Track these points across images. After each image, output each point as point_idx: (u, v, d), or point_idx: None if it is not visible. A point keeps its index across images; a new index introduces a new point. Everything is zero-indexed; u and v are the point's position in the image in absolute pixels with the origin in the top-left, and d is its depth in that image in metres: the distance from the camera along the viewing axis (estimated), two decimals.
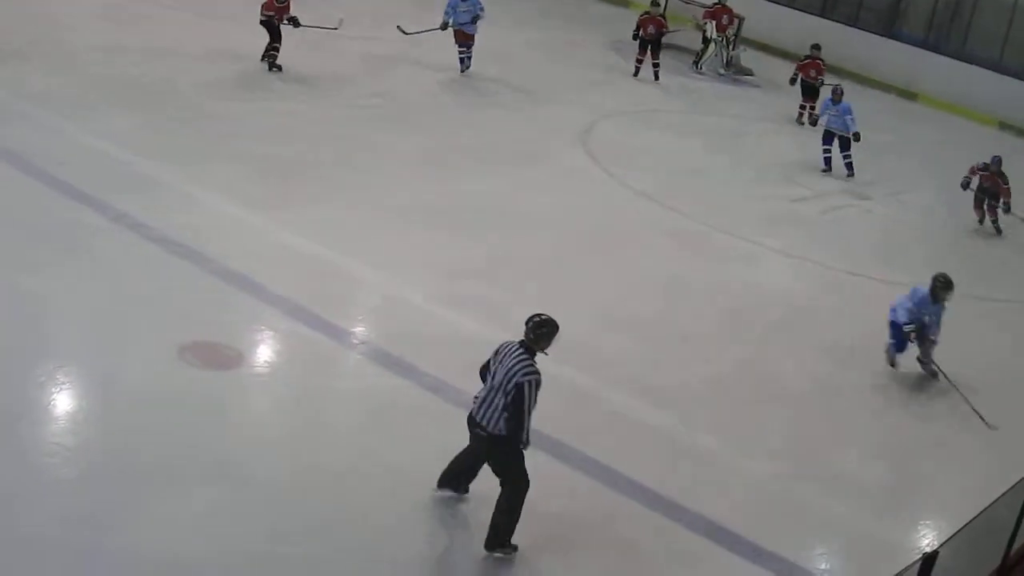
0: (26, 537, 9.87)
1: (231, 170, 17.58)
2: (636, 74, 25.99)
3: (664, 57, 26.78)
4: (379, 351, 13.63)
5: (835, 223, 20.12)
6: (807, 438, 13.47)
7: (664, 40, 26.35)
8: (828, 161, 22.37)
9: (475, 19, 23.85)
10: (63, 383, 12.08)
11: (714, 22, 28.12)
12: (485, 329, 14.22)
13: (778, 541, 11.46)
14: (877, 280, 17.67)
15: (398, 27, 23.57)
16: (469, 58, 24.15)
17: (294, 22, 22.48)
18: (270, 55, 22.43)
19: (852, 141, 22.17)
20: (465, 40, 24.05)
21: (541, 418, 12.30)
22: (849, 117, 22.07)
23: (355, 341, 13.90)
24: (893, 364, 14.96)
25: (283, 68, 22.23)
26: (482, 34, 24.51)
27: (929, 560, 9.26)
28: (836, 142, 22.30)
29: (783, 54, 30.20)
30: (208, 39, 23.68)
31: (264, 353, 13.45)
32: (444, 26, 23.61)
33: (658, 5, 25.15)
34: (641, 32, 25.64)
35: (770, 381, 14.47)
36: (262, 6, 22.24)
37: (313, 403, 12.44)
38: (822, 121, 22.63)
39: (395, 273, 15.43)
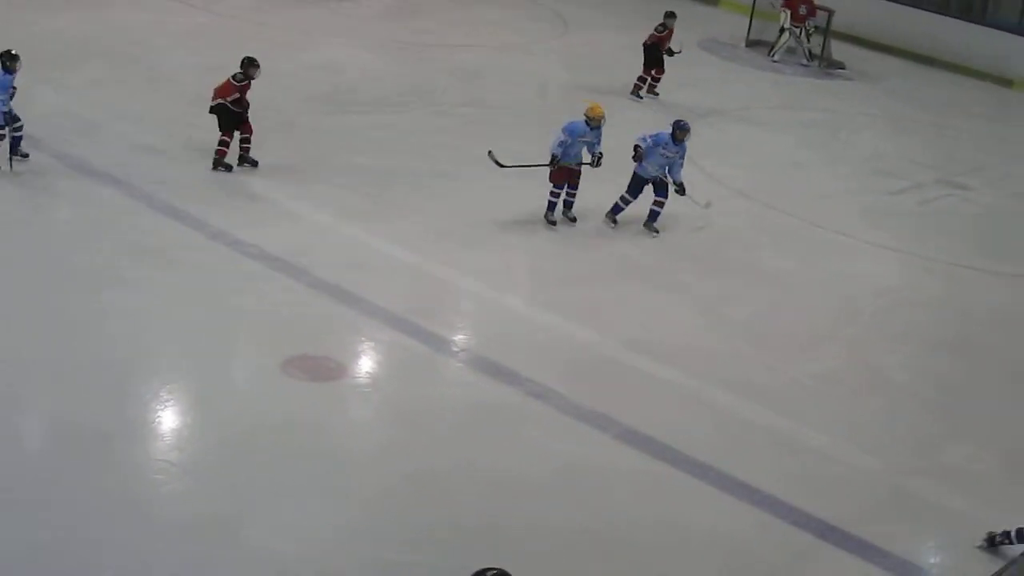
0: (138, 552, 10.01)
1: (328, 183, 17.69)
2: (637, 92, 24.07)
3: (749, 53, 26.60)
4: (480, 358, 13.65)
5: (935, 214, 19.84)
6: (918, 432, 13.31)
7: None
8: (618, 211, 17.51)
9: (596, 158, 17.15)
10: (167, 400, 12.23)
11: (789, 12, 27.91)
12: (587, 334, 14.27)
13: (890, 537, 11.36)
14: (980, 270, 17.45)
15: (489, 154, 17.38)
16: (572, 201, 17.43)
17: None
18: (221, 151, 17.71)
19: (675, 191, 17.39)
20: (567, 179, 17.28)
21: (647, 423, 12.39)
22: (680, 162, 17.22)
23: (456, 349, 13.92)
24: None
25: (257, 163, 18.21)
26: (573, 38, 24.39)
27: None
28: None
29: (874, 46, 29.90)
30: (301, 54, 23.86)
31: (366, 364, 13.52)
32: (554, 162, 16.96)
33: (674, 17, 23.98)
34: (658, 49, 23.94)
35: (878, 376, 14.31)
36: (215, 91, 17.87)
37: (416, 412, 12.47)
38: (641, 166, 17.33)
39: (495, 280, 15.44)
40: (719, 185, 19.35)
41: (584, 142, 16.86)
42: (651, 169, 17.12)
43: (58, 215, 15.94)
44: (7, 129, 16.42)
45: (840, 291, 16.32)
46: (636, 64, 24.28)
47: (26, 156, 16.75)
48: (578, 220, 17.24)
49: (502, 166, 17.11)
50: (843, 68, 28.12)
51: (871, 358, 14.59)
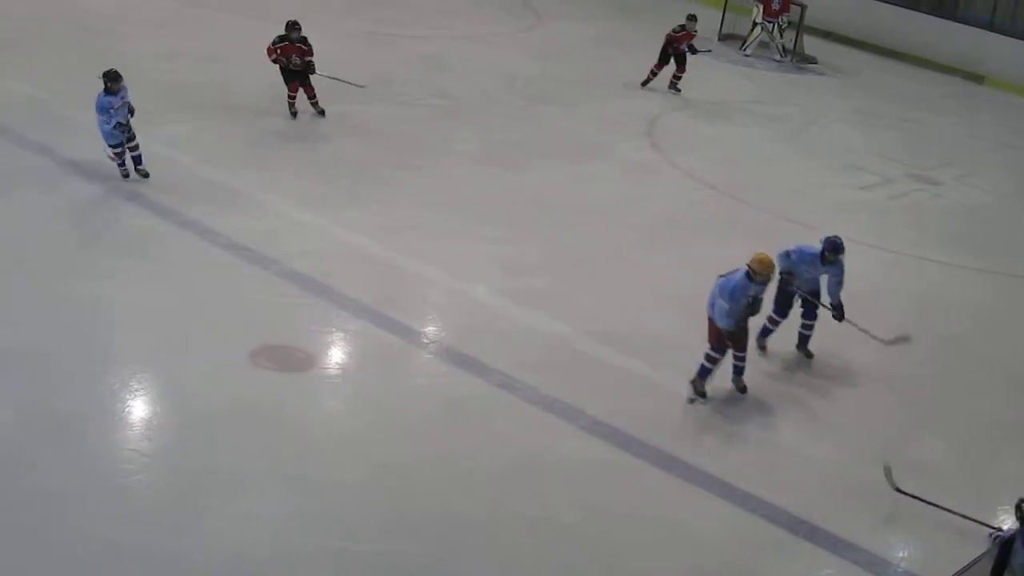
0: (102, 540, 9.98)
1: (294, 173, 17.66)
2: (646, 84, 24.07)
3: (722, 47, 26.70)
4: (448, 349, 13.61)
5: (904, 209, 19.87)
6: (887, 426, 13.29)
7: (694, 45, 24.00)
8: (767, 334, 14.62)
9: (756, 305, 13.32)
10: (136, 389, 12.19)
11: (761, 6, 27.94)
12: (552, 324, 14.24)
13: (858, 530, 11.36)
14: (949, 264, 17.48)
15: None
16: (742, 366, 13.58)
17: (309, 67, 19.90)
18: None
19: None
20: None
21: (615, 413, 12.36)
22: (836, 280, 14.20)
23: (424, 340, 13.87)
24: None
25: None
26: (548, 29, 24.31)
27: (1007, 544, 9.14)
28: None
29: (846, 40, 29.97)
30: (264, 42, 23.73)
31: (334, 355, 13.47)
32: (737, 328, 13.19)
33: (695, 20, 23.86)
34: (672, 48, 23.79)
35: (846, 369, 14.30)
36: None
37: (384, 402, 12.43)
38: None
39: (460, 270, 15.38)
40: (690, 178, 19.35)
41: (750, 297, 13.04)
42: (799, 284, 14.15)
43: (27, 203, 15.80)
44: (123, 149, 16.56)
45: None
46: (607, 56, 24.31)
47: (146, 176, 16.74)
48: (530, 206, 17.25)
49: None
50: (815, 63, 28.19)
51: (839, 351, 14.56)
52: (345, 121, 20.05)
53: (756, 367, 13.79)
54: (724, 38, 28.82)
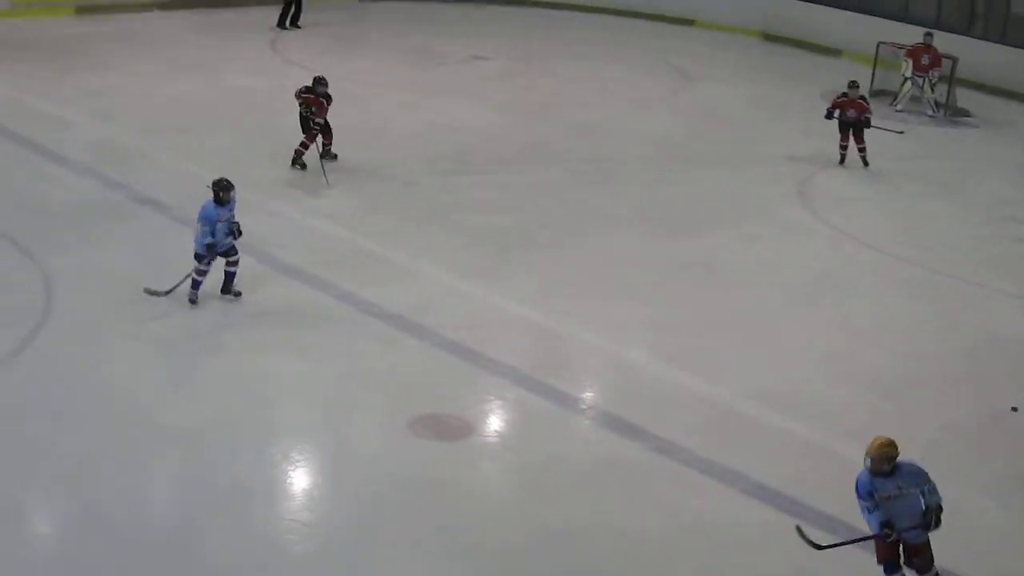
0: None
1: (452, 242, 17.82)
2: (842, 161, 23.14)
3: (873, 103, 26.40)
4: (605, 413, 13.63)
5: None
6: None
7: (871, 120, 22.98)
8: None
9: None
10: (297, 460, 12.41)
11: (911, 61, 27.59)
12: (709, 386, 14.18)
13: None
14: None
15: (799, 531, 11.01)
16: None
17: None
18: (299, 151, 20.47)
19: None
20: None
21: (775, 476, 12.25)
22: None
23: (581, 405, 13.91)
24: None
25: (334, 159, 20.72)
26: (699, 92, 24.33)
27: None
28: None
29: (1000, 92, 29.47)
30: (422, 114, 24.14)
31: (492, 422, 13.55)
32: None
33: (857, 87, 23.04)
34: (839, 115, 22.98)
35: (1012, 424, 14.01)
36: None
37: (543, 468, 12.46)
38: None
39: (616, 334, 15.37)
40: (845, 236, 19.16)
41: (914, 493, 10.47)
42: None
43: (182, 274, 16.05)
44: (209, 264, 15.30)
45: (969, 340, 16.03)
46: (757, 117, 24.25)
47: (238, 295, 15.61)
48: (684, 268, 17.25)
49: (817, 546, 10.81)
50: (969, 116, 27.76)
51: (1001, 406, 14.27)
52: (501, 189, 20.24)
53: (911, 423, 13.57)
54: (875, 94, 28.50)
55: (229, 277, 15.45)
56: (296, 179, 19.91)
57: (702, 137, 24.23)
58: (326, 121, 20.32)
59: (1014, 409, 14.20)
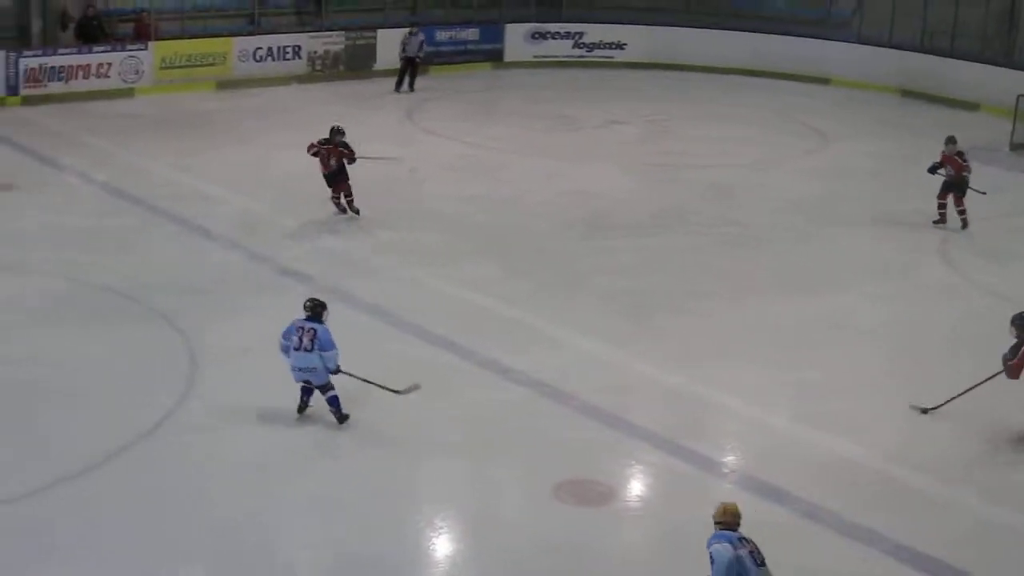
0: None
1: (590, 306, 17.91)
2: (940, 221, 22.19)
3: (1013, 157, 26.04)
4: (748, 477, 13.55)
5: None
6: None
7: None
8: None
9: None
10: (441, 527, 12.50)
11: None
12: (852, 448, 14.06)
13: None
14: None
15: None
16: None
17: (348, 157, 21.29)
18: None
19: None
20: None
21: (920, 537, 12.09)
22: None
23: (723, 469, 13.86)
24: None
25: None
26: (833, 150, 24.09)
27: None
28: None
29: None
30: (555, 180, 24.31)
31: (635, 487, 13.59)
32: None
33: (954, 143, 22.07)
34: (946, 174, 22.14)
35: None
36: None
37: (685, 534, 12.30)
38: None
39: (757, 396, 15.30)
40: (988, 294, 18.86)
41: None
42: None
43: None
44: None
45: None
46: (894, 175, 24.06)
47: (345, 419, 14.33)
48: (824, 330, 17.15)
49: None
50: None
51: None
52: (637, 253, 20.32)
53: None
54: (1015, 147, 28.16)
55: (332, 402, 14.27)
56: (434, 245, 20.14)
57: (838, 195, 24.09)
58: (344, 170, 21.31)
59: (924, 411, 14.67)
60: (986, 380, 14.51)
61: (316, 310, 14.19)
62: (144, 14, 32.21)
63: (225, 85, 32.19)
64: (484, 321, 17.27)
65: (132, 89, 31.18)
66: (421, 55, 32.88)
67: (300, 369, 14.02)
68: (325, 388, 14.12)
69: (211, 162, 25.10)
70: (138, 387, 14.75)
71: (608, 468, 13.70)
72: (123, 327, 16.49)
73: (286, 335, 14.10)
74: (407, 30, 33.22)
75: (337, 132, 21.32)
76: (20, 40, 31.39)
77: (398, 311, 17.26)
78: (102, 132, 27.41)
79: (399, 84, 32.40)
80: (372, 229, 20.97)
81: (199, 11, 33.37)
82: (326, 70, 33.94)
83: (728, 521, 10.60)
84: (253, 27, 33.82)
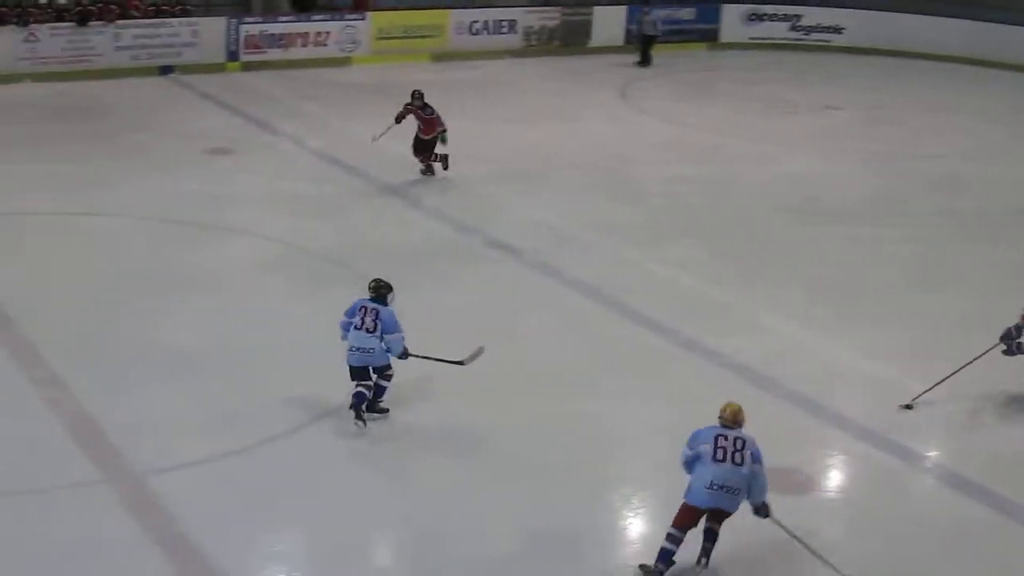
0: None
1: (798, 293, 17.66)
2: None
3: None
4: (953, 475, 13.22)
5: None
6: None
7: None
8: None
9: None
10: (638, 507, 12.50)
11: None
12: None
13: None
14: None
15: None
16: None
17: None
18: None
19: None
20: None
21: None
22: None
23: (927, 464, 13.59)
24: None
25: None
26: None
27: None
28: None
29: None
30: (771, 165, 24.05)
31: (835, 477, 13.37)
32: None
33: None
34: None
35: None
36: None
37: (886, 528, 12.14)
38: None
39: (968, 391, 14.87)
40: None
41: None
42: None
43: (531, 319, 16.45)
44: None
45: None
46: None
47: (386, 411, 13.74)
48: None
49: None
50: None
51: None
52: (849, 241, 20.03)
53: None
54: None
55: (360, 399, 13.44)
56: (644, 224, 20.09)
57: None
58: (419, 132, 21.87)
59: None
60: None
61: (380, 291, 13.51)
62: None
63: (440, 57, 32.54)
64: (691, 302, 17.14)
65: (348, 58, 31.76)
66: (658, 32, 32.95)
67: (358, 349, 13.26)
68: (383, 372, 13.47)
69: None
70: (344, 352, 14.93)
71: (809, 456, 13.48)
72: (331, 291, 16.73)
73: (349, 313, 13.43)
74: (642, 9, 33.32)
75: (415, 96, 21.97)
76: (241, 7, 32.17)
77: (606, 289, 17.24)
78: (317, 99, 27.99)
79: (642, 59, 32.49)
80: (584, 206, 20.98)
81: None
82: (540, 45, 34.03)
83: (725, 416, 11.19)
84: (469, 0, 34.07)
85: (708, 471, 10.83)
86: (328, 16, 32.09)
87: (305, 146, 24.36)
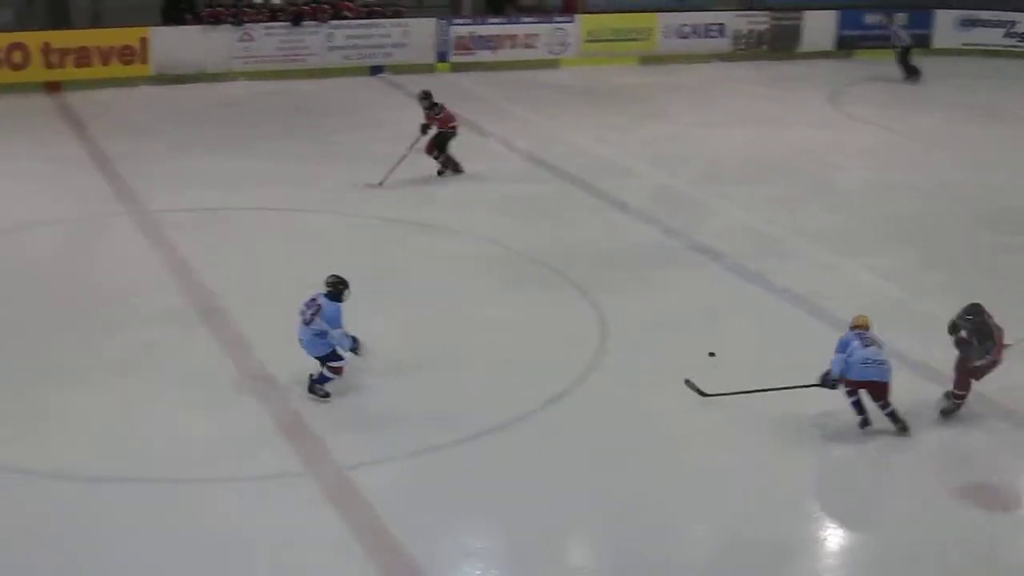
0: None
1: (1005, 305, 17.14)
2: None
3: None
4: None
5: None
6: None
7: None
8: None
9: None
10: (840, 518, 12.42)
11: None
12: None
13: None
14: None
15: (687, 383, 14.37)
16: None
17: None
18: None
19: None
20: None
21: None
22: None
23: None
24: None
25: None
26: None
27: None
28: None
29: None
30: (981, 174, 23.66)
31: None
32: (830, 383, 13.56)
33: None
34: None
35: None
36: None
37: None
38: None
39: None
40: None
41: None
42: None
43: (733, 324, 16.42)
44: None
45: None
46: None
47: (326, 396, 14.08)
48: None
49: (702, 393, 14.22)
50: None
51: None
52: None
53: None
54: None
55: (319, 379, 14.08)
56: (850, 230, 19.92)
57: None
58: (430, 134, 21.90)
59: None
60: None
61: (337, 287, 13.93)
62: None
63: (648, 60, 32.63)
64: (895, 312, 16.89)
65: (557, 60, 32.02)
66: (910, 41, 32.19)
67: (300, 340, 13.89)
68: (325, 361, 13.89)
69: (630, 136, 25.53)
70: (549, 353, 15.13)
71: (1012, 470, 13.38)
72: (540, 293, 16.97)
73: (304, 303, 13.96)
74: (884, 24, 33.01)
75: (422, 97, 22.08)
76: (451, 9, 32.69)
77: (811, 297, 17.13)
78: (525, 101, 28.30)
79: (908, 73, 31.76)
80: (788, 211, 20.89)
81: None
82: (749, 49, 33.91)
83: (859, 324, 13.76)
84: (678, 4, 34.04)
85: (859, 354, 13.35)
86: (537, 18, 32.41)
87: (514, 147, 24.65)
